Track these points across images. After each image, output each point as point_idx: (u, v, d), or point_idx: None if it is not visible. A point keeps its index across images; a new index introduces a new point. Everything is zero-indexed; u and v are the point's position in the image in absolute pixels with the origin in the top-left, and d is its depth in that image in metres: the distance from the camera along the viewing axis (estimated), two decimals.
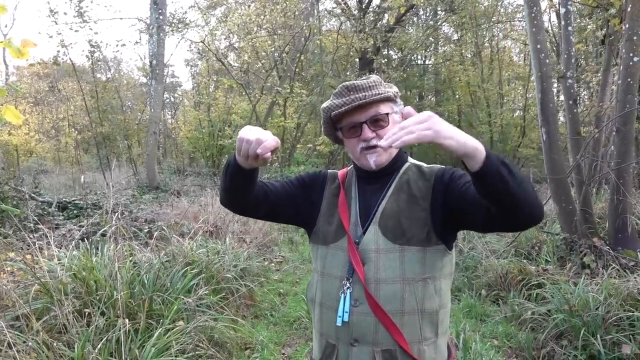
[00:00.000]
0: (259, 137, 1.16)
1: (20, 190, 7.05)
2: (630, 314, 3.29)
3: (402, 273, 1.33)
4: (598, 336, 3.22)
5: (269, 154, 1.17)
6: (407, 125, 1.02)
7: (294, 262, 6.43)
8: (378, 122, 1.38)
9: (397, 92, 1.44)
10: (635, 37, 4.62)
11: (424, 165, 1.48)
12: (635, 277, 3.70)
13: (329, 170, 1.62)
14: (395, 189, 1.42)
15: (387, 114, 1.39)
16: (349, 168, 1.58)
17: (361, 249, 1.38)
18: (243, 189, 1.37)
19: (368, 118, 1.37)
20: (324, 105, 1.45)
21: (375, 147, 1.38)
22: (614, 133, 4.92)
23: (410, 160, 1.50)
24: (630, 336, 3.21)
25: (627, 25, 4.68)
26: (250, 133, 1.18)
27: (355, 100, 1.36)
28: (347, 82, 1.41)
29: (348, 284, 1.36)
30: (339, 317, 1.35)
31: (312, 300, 1.51)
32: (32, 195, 7.21)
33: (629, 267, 4.27)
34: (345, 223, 1.43)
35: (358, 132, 1.39)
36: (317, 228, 1.52)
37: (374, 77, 1.44)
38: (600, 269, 4.36)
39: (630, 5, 4.64)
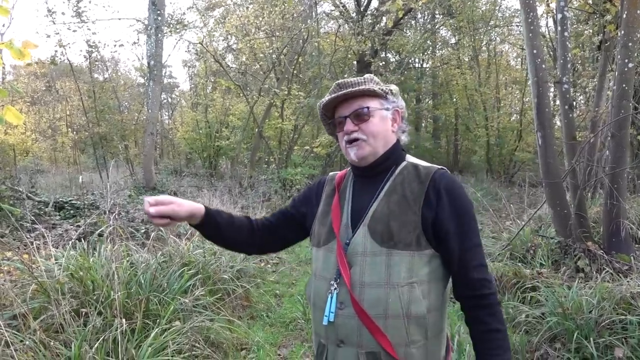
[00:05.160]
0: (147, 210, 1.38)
1: (17, 189, 7.04)
2: (623, 317, 3.32)
3: (388, 277, 1.32)
4: (591, 339, 3.24)
5: (160, 220, 1.39)
6: None
7: (290, 264, 6.45)
8: (360, 117, 1.41)
9: (387, 89, 1.46)
10: (630, 44, 4.66)
11: (422, 164, 1.46)
12: (628, 281, 3.73)
13: (330, 174, 1.65)
14: (388, 190, 1.41)
15: (368, 107, 1.41)
16: (348, 169, 1.59)
17: (349, 252, 1.38)
18: (226, 236, 1.60)
19: (351, 112, 1.42)
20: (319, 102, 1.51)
21: (356, 140, 1.41)
22: (609, 138, 4.94)
23: (409, 158, 1.49)
24: (623, 339, 3.23)
25: (622, 32, 4.72)
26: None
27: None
28: (340, 80, 1.46)
29: (335, 285, 1.37)
30: (325, 316, 1.37)
31: (308, 299, 1.54)
32: (29, 194, 7.21)
33: (623, 271, 4.30)
34: (335, 225, 1.44)
35: (343, 125, 1.44)
36: (312, 230, 1.56)
37: (367, 75, 1.48)
38: (594, 272, 4.39)
39: (625, 12, 4.68)
